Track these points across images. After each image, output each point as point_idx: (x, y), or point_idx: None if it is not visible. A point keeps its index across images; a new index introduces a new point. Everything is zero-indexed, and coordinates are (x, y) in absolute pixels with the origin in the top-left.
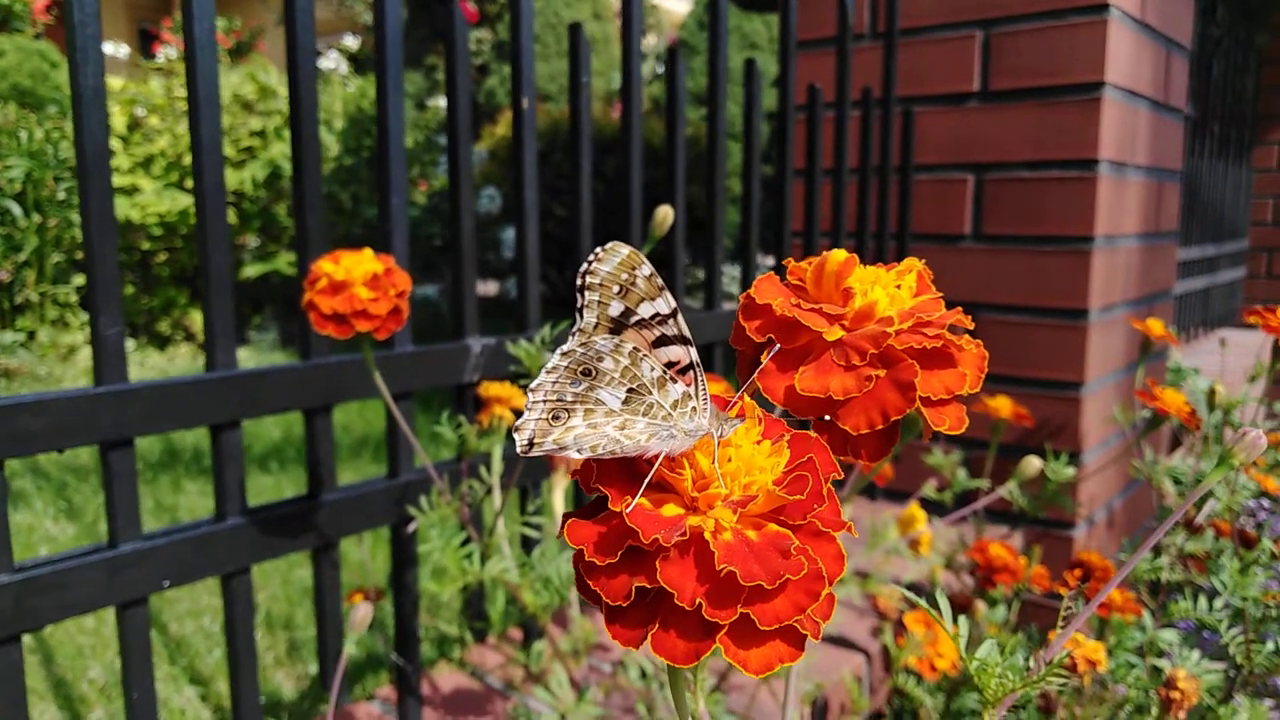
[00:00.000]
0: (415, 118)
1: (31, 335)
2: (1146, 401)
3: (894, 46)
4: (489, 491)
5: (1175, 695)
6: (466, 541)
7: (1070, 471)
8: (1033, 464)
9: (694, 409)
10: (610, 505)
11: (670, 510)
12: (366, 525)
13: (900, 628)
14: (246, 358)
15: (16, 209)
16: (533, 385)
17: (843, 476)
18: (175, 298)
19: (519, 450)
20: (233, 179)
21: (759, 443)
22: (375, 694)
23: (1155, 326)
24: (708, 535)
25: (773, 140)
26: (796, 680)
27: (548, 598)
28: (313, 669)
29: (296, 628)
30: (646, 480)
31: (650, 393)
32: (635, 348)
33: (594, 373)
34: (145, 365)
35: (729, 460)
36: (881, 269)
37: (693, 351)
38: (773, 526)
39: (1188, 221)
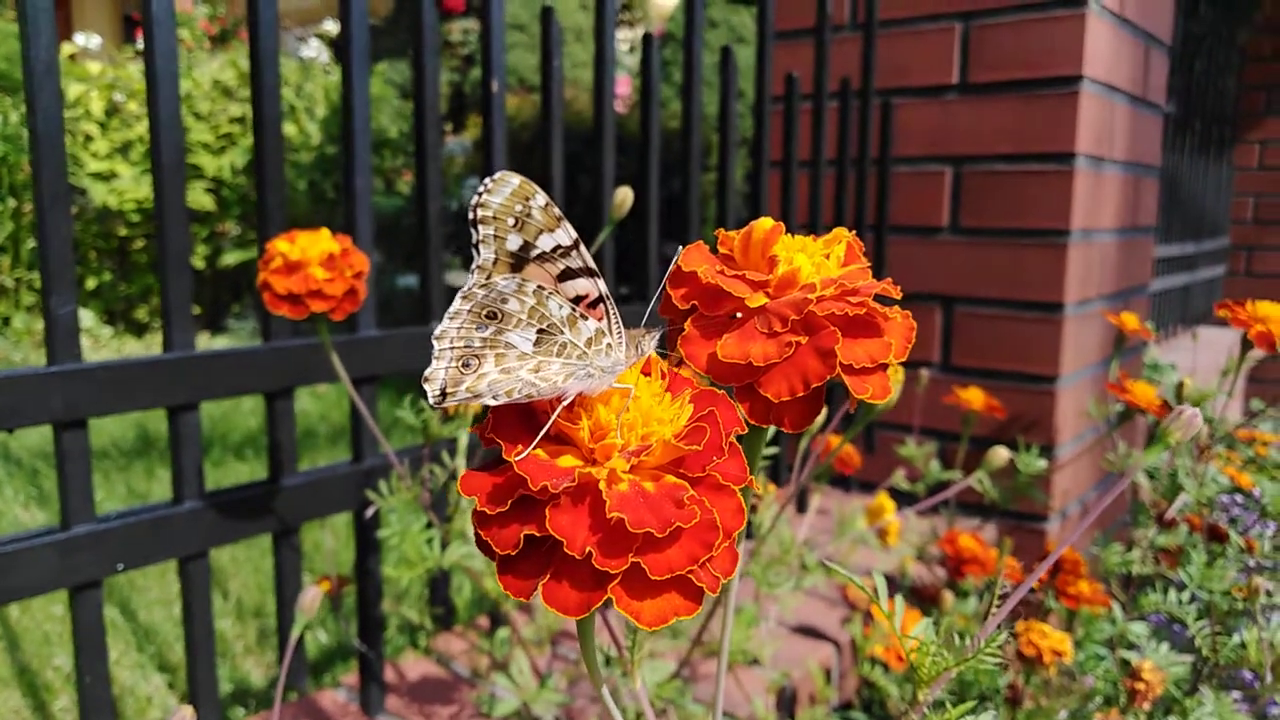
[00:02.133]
0: (400, 108)
1: (6, 321)
2: (1117, 395)
3: (873, 38)
4: (453, 477)
5: (1140, 686)
6: (429, 526)
7: (1041, 463)
8: (1000, 454)
9: (609, 345)
10: (504, 455)
11: (567, 461)
12: (328, 510)
13: (868, 618)
14: (224, 346)
15: None
16: (436, 333)
17: (745, 431)
18: (153, 284)
19: (431, 402)
20: (212, 165)
21: (660, 395)
22: (342, 681)
23: (1130, 321)
24: (601, 484)
25: (753, 132)
26: (764, 669)
27: None
28: None
29: (267, 616)
30: (544, 430)
31: (561, 332)
32: (540, 286)
33: (500, 315)
34: (122, 352)
35: (626, 411)
36: (810, 238)
37: (600, 284)
38: (670, 478)
39: (1168, 218)
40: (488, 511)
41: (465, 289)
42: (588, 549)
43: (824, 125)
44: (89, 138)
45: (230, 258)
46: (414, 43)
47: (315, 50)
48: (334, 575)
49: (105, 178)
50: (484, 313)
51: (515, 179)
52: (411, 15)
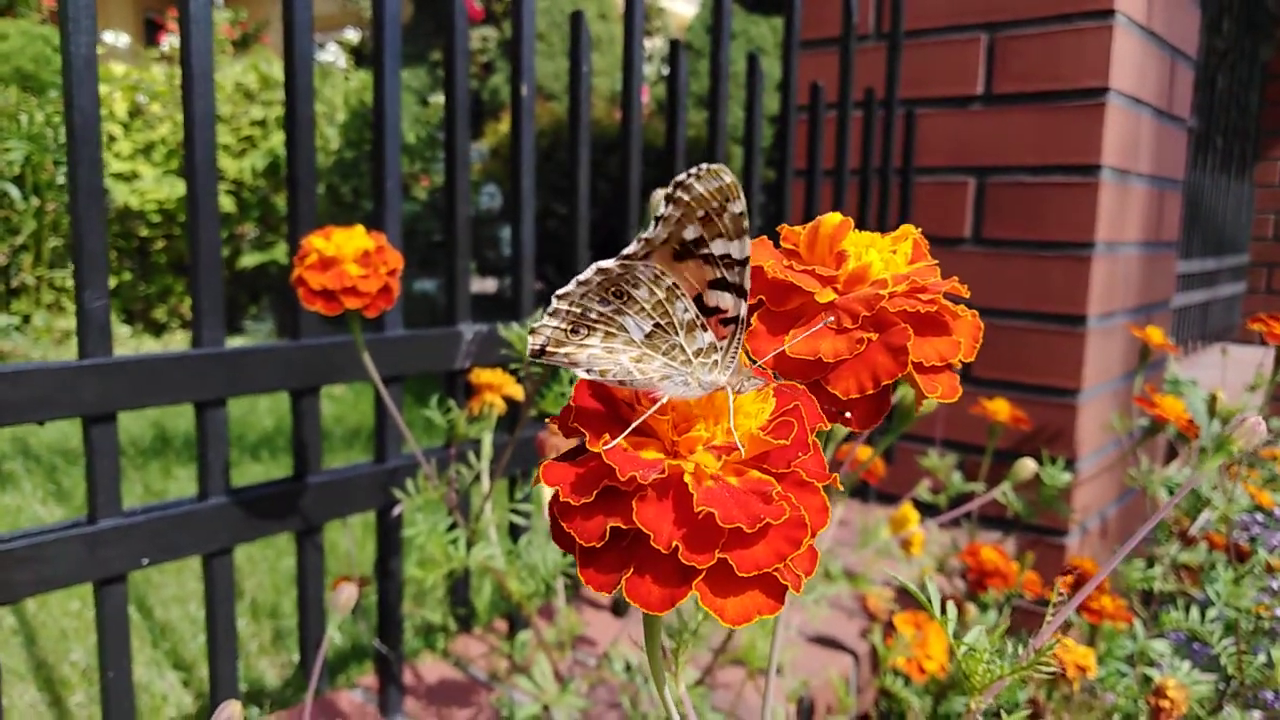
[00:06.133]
0: (418, 114)
1: (27, 319)
2: (1145, 408)
3: (898, 48)
4: (477, 478)
5: (1165, 704)
6: (453, 527)
7: (1066, 477)
8: (1027, 466)
9: (715, 362)
10: (588, 445)
11: (650, 454)
12: (352, 509)
13: (889, 629)
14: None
15: (15, 192)
16: (560, 292)
17: (829, 428)
18: (172, 285)
19: (529, 353)
20: (233, 168)
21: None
22: (358, 683)
23: (1155, 334)
24: (687, 477)
25: (775, 141)
26: (783, 679)
27: (533, 586)
28: (297, 657)
29: (282, 616)
30: (636, 422)
31: (676, 333)
32: (674, 284)
33: (625, 296)
34: (141, 352)
35: (711, 403)
36: (878, 235)
37: (743, 307)
38: (755, 473)
39: (1189, 234)
40: (571, 502)
41: (602, 264)
42: (674, 543)
43: (848, 134)
44: (112, 138)
45: (249, 260)
46: (445, 47)
47: (333, 55)
48: (353, 575)
49: (127, 178)
50: (611, 289)
51: (728, 176)
52: (444, 20)
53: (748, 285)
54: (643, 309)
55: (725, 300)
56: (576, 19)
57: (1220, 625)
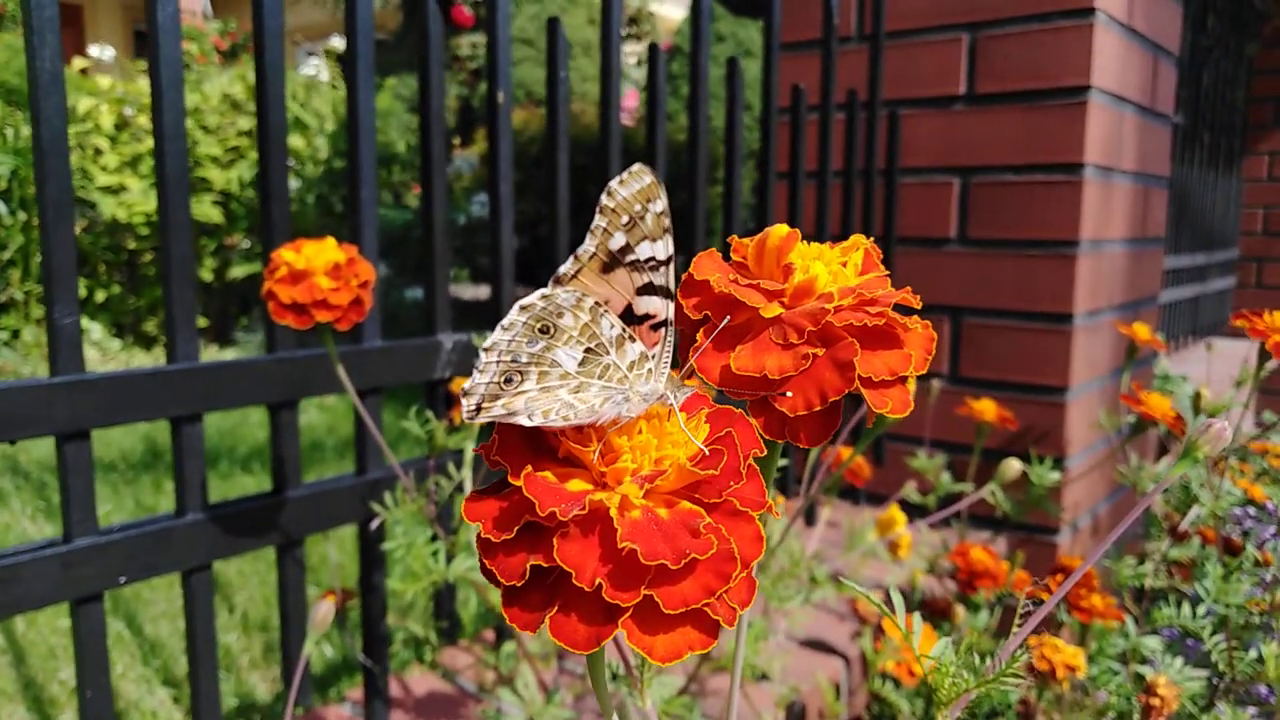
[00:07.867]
0: (409, 121)
1: (16, 334)
2: (1132, 406)
3: (880, 49)
4: (459, 489)
5: (1155, 702)
6: (434, 539)
7: (1054, 476)
8: (1013, 466)
9: (649, 371)
10: (509, 479)
11: (577, 485)
12: (333, 523)
13: (879, 632)
14: (232, 358)
15: (2, 207)
16: (486, 343)
17: (764, 453)
18: (162, 297)
19: (465, 416)
20: (220, 179)
21: (675, 415)
22: (347, 696)
23: (1141, 331)
24: (612, 511)
25: (760, 144)
26: (774, 684)
27: None
28: None
29: (273, 629)
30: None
31: (607, 353)
32: (596, 303)
33: (553, 330)
34: (130, 365)
35: (640, 432)
36: (827, 246)
37: (671, 308)
38: (686, 504)
39: (1177, 230)
40: (493, 539)
41: (524, 301)
42: (597, 581)
43: (830, 136)
44: (99, 151)
45: (238, 270)
46: (420, 52)
47: (315, 69)
48: (339, 588)
49: (114, 191)
50: (538, 326)
51: (648, 177)
52: (418, 26)
53: (673, 286)
54: (571, 337)
55: (654, 304)
56: (553, 27)
57: (1212, 621)
